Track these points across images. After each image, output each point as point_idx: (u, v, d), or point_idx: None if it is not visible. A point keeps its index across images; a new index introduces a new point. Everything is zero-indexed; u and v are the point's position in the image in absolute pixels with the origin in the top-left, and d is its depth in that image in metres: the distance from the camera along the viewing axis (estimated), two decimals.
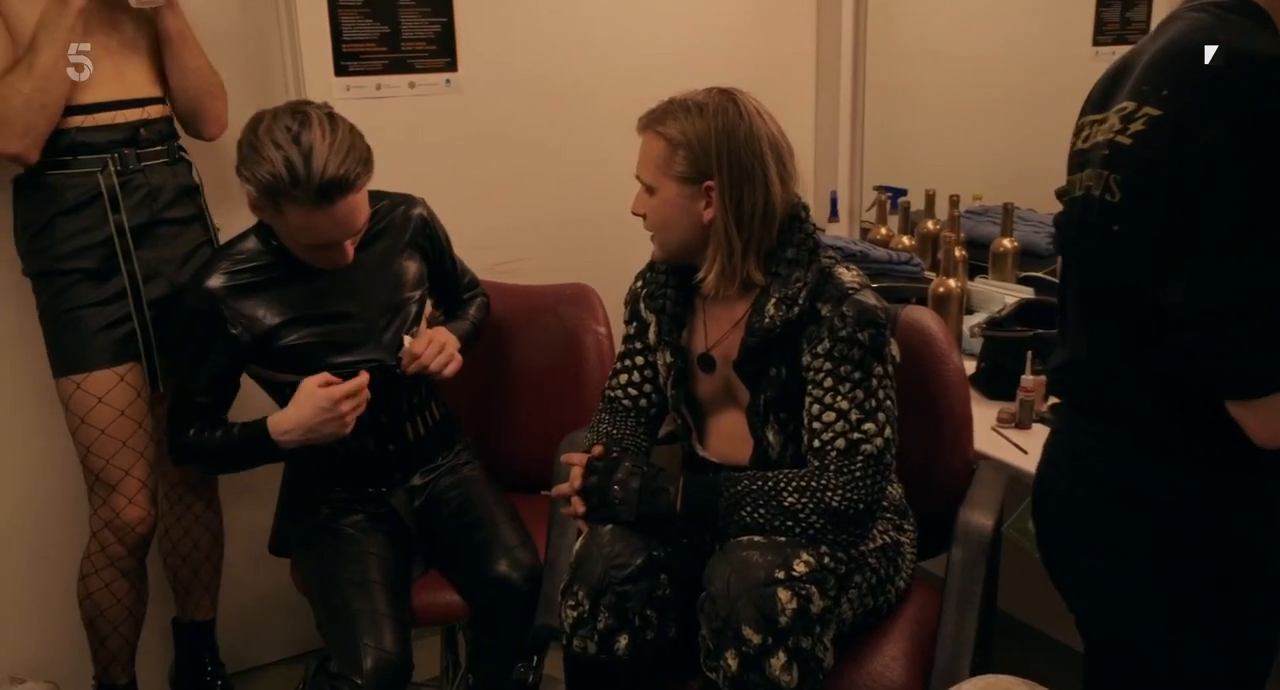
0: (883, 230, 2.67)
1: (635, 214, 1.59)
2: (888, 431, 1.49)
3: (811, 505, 1.46)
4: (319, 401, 1.67)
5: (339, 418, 1.68)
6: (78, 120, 1.81)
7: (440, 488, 1.93)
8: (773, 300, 1.50)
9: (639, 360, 1.72)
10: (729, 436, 1.64)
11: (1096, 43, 2.43)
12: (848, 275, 1.53)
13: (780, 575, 1.39)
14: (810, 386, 1.50)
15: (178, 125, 1.99)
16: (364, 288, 1.81)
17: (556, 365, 2.16)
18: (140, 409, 1.92)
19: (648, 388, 1.72)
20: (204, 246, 2.00)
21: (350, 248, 1.72)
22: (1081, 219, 1.20)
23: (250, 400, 1.89)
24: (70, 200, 1.83)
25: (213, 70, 1.96)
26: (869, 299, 1.50)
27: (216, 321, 1.73)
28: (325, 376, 1.70)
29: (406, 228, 1.87)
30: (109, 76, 1.84)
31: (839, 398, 1.47)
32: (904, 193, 2.70)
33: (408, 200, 1.90)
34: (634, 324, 1.72)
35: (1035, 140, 2.57)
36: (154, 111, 1.91)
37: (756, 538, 1.46)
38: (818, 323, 1.49)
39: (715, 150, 1.48)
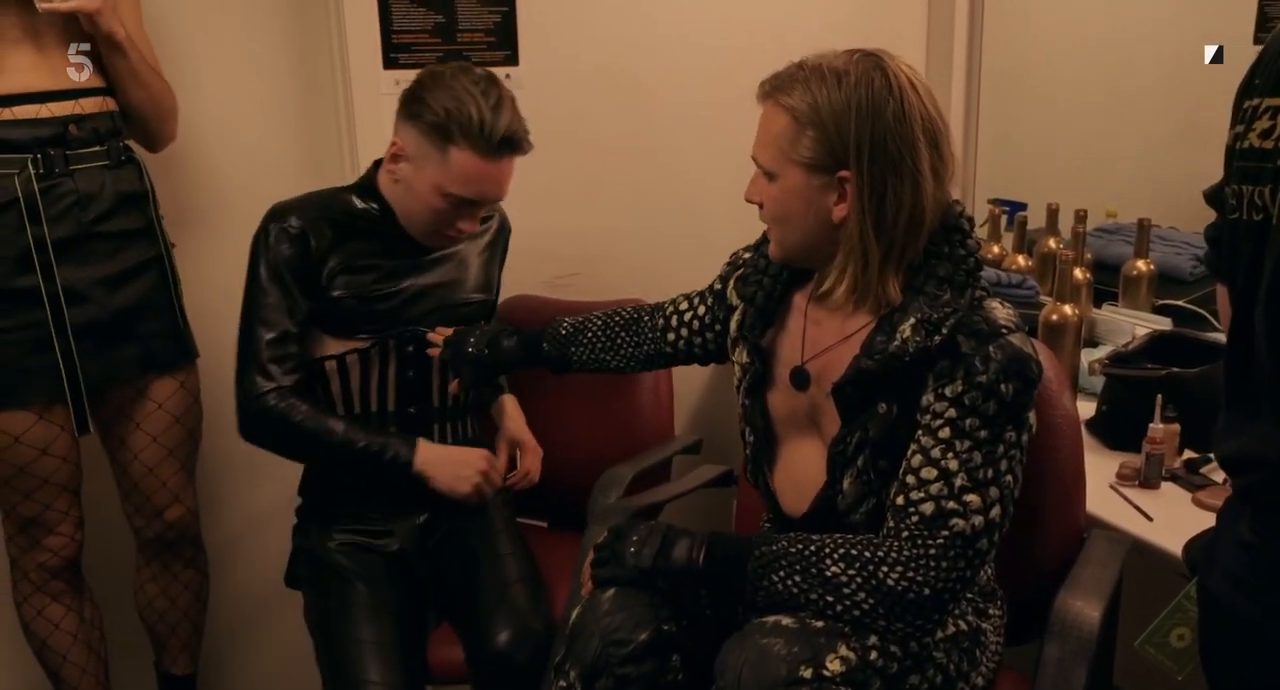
0: (995, 249, 2.36)
1: (750, 201, 1.32)
2: (994, 512, 1.20)
3: (860, 579, 1.18)
4: (475, 463, 1.70)
5: (472, 481, 1.69)
6: None
7: (454, 529, 1.75)
8: (911, 320, 1.22)
9: (700, 311, 1.53)
10: (796, 470, 1.37)
11: (1258, 40, 2.11)
12: (1001, 311, 1.24)
13: (806, 673, 1.12)
14: (921, 432, 1.22)
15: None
16: (444, 279, 1.77)
17: (607, 390, 1.98)
18: (66, 443, 1.73)
19: (685, 333, 1.54)
20: (151, 264, 1.78)
21: (468, 226, 1.70)
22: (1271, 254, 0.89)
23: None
24: None
25: (163, 84, 1.78)
26: (1024, 346, 1.22)
27: (307, 255, 1.65)
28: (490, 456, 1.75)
29: (498, 231, 1.88)
30: (31, 65, 1.64)
31: (950, 455, 1.19)
32: (1023, 207, 2.40)
33: (499, 206, 1.87)
34: (720, 289, 1.50)
35: (1180, 150, 2.30)
36: (89, 105, 1.69)
37: (785, 620, 1.19)
38: (954, 359, 1.20)
39: (855, 133, 1.19)
